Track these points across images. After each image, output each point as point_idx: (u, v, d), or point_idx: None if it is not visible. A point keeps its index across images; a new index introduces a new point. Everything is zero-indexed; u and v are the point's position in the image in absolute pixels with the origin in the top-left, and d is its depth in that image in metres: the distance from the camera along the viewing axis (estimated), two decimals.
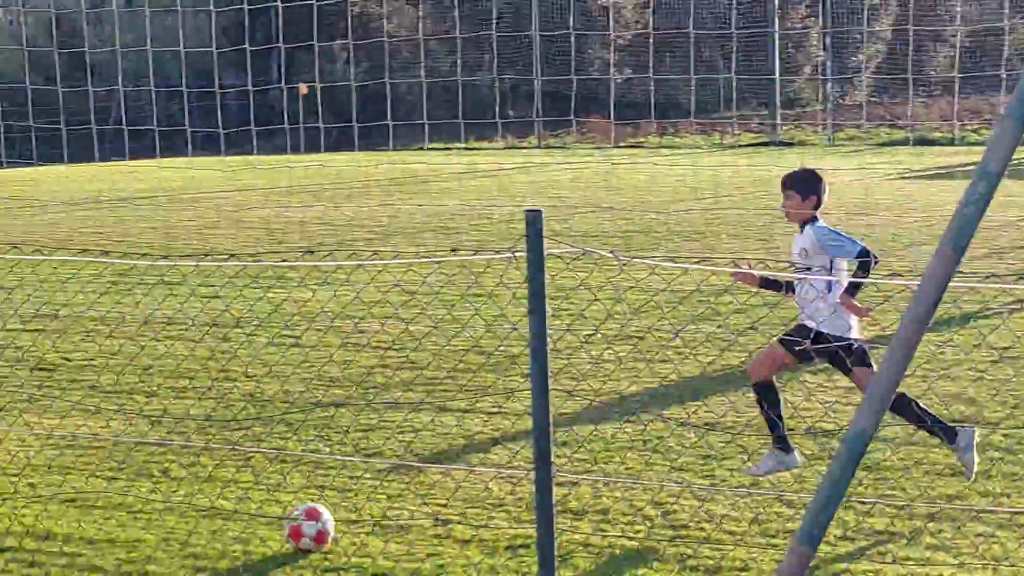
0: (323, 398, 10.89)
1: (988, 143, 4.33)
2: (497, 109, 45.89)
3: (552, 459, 5.99)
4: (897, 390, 8.14)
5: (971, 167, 28.25)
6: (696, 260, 9.52)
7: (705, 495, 8.33)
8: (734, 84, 43.73)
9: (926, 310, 4.35)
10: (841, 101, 48.61)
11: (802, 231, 8.33)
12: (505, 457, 9.27)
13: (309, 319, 13.58)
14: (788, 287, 8.51)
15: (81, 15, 45.28)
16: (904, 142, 41.01)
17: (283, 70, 45.87)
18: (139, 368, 12.00)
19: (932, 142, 40.77)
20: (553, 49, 48.33)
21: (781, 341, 8.32)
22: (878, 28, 48.84)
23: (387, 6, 48.11)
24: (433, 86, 46.32)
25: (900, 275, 13.66)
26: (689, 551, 7.51)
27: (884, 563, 7.29)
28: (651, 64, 38.95)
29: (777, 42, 44.71)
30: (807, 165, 8.39)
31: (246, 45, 40.27)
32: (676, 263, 9.05)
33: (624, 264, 6.71)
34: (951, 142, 40.33)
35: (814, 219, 8.31)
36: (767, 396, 8.26)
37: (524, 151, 45.35)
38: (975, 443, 8.14)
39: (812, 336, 8.12)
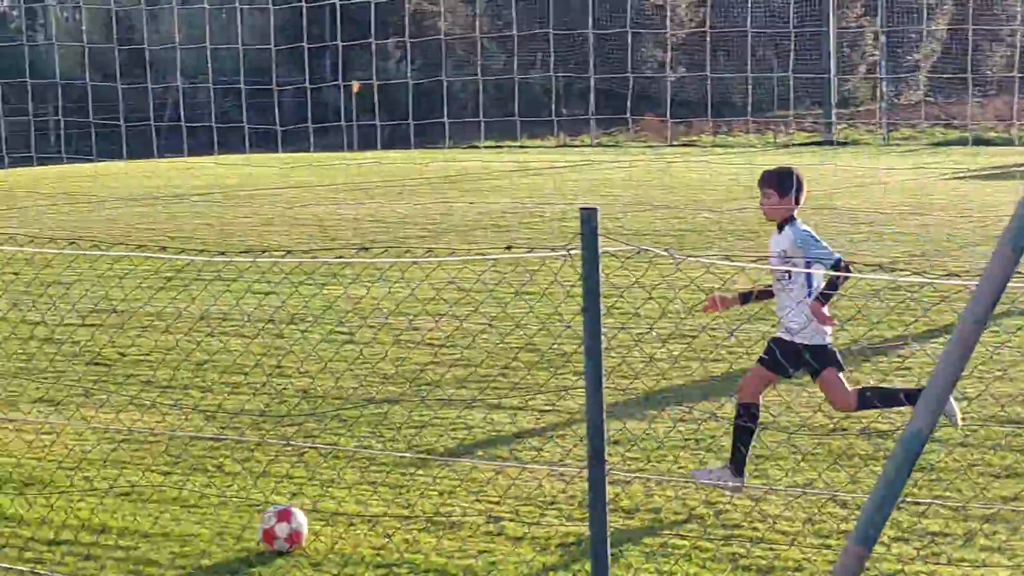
0: (376, 395, 10.93)
1: None
2: (553, 107, 45.85)
3: (605, 457, 5.99)
4: (857, 388, 8.21)
5: None
6: (752, 259, 9.48)
7: (758, 495, 8.31)
8: (791, 83, 43.48)
9: (984, 310, 4.33)
10: (896, 100, 48.33)
11: (780, 231, 8.29)
12: (558, 455, 9.27)
13: (363, 316, 13.63)
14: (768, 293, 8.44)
15: (141, 14, 45.62)
16: (959, 142, 40.71)
17: (340, 68, 46.01)
18: (194, 364, 12.09)
19: (988, 142, 40.46)
20: (606, 47, 48.29)
21: (761, 361, 8.26)
22: (934, 27, 48.49)
23: (443, 4, 48.19)
24: (486, 84, 46.34)
25: (957, 275, 13.58)
26: (742, 551, 7.49)
27: (938, 564, 7.25)
28: (708, 63, 38.83)
29: (832, 41, 44.47)
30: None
31: (304, 43, 40.41)
32: (732, 261, 9.02)
33: (679, 262, 6.69)
34: (1008, 142, 39.99)
35: (792, 219, 8.25)
36: (747, 418, 8.19)
37: (577, 149, 45.34)
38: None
39: (790, 347, 8.06)
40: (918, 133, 44.03)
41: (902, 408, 9.92)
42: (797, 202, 8.28)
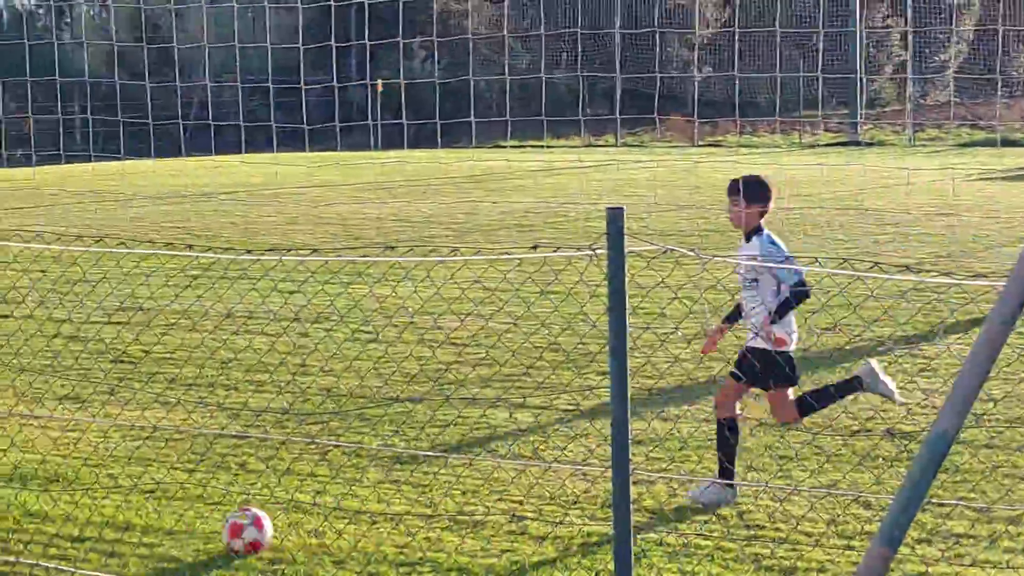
0: (400, 394, 10.94)
1: None
2: (581, 107, 45.82)
3: (629, 457, 5.99)
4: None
5: None
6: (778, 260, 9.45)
7: (782, 495, 8.29)
8: (820, 83, 43.35)
9: (1012, 312, 4.31)
10: (922, 101, 48.17)
11: (747, 240, 8.29)
12: (581, 455, 9.26)
13: (388, 315, 13.64)
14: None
15: (166, 13, 45.76)
16: (986, 143, 40.56)
17: (367, 67, 46.07)
18: (219, 362, 12.12)
19: (1014, 143, 40.30)
20: (631, 47, 48.25)
21: (732, 375, 8.32)
22: (961, 28, 48.32)
23: (469, 3, 48.23)
24: (510, 83, 46.32)
25: (984, 276, 13.53)
26: (765, 551, 7.47)
27: (963, 566, 7.22)
28: (735, 62, 38.74)
29: (859, 41, 44.36)
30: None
31: (332, 41, 40.46)
32: (758, 261, 9.00)
33: (705, 262, 6.68)
34: None
35: (759, 229, 8.24)
36: (728, 435, 8.21)
37: (601, 149, 45.32)
38: (879, 369, 8.21)
39: (763, 356, 8.11)
40: (944, 134, 43.87)
41: (925, 409, 9.90)
42: (766, 211, 8.24)
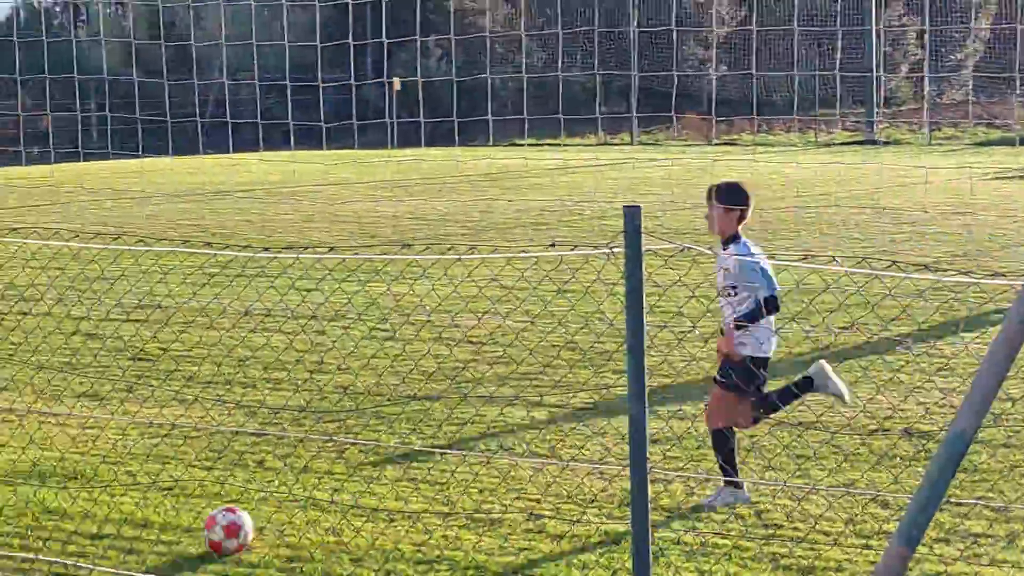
0: (418, 392, 10.96)
1: None
2: (598, 105, 45.78)
3: (647, 455, 5.99)
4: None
5: None
6: (802, 257, 9.45)
7: (800, 495, 8.29)
8: (837, 81, 43.30)
9: None
10: (938, 100, 48.08)
11: (724, 247, 8.30)
12: (598, 454, 9.27)
13: (405, 313, 13.65)
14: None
15: (183, 11, 45.81)
16: (1002, 142, 40.46)
17: (384, 66, 46.11)
18: (236, 360, 12.14)
19: None
20: (646, 45, 48.21)
21: (716, 381, 8.39)
22: (977, 26, 48.21)
23: (487, 2, 48.24)
24: (527, 81, 46.30)
25: (1002, 275, 13.50)
26: (783, 551, 7.47)
27: (980, 565, 7.21)
28: (754, 61, 38.68)
29: (875, 40, 44.28)
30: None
31: (349, 39, 40.46)
32: (775, 260, 8.99)
33: (723, 261, 6.68)
34: None
35: (737, 236, 8.25)
36: (723, 444, 8.24)
37: (617, 147, 45.30)
38: (828, 370, 8.27)
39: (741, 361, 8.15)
40: (960, 132, 43.80)
41: (943, 408, 9.89)
42: (743, 217, 8.25)
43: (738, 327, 8.05)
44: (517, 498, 8.41)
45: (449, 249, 16.47)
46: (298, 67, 45.72)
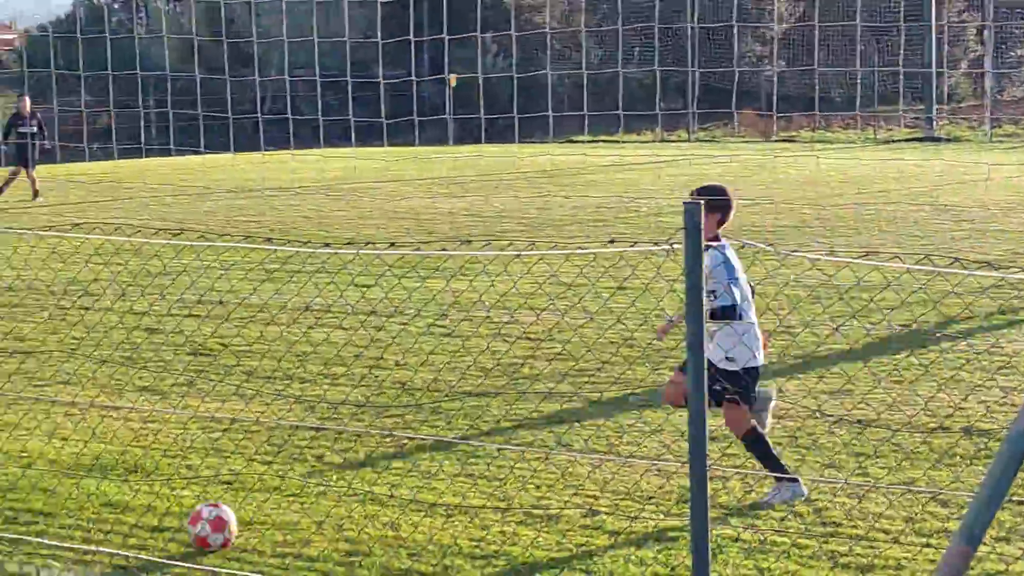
0: (476, 388, 10.98)
1: None
2: (658, 102, 45.68)
3: (707, 452, 5.98)
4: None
5: None
6: (863, 254, 9.40)
7: (860, 493, 8.25)
8: (901, 76, 43.02)
9: None
10: (999, 96, 47.68)
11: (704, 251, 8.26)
12: (655, 451, 9.26)
13: (464, 309, 13.68)
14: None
15: (241, 8, 46.07)
16: None
17: (444, 62, 46.17)
18: (295, 355, 12.20)
19: None
20: (705, 42, 48.04)
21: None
22: None
23: None
24: (582, 78, 46.30)
25: None
26: (843, 549, 7.44)
27: None
28: (816, 57, 38.53)
29: (934, 36, 43.94)
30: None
31: (410, 36, 40.63)
32: (836, 257, 8.96)
33: (783, 257, 6.66)
34: None
35: (715, 239, 8.24)
36: (756, 447, 8.31)
37: (674, 144, 45.18)
38: (772, 406, 8.40)
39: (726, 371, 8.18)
40: (1021, 130, 43.40)
41: (1004, 406, 9.81)
42: (724, 220, 8.30)
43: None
44: (575, 494, 8.41)
45: (508, 245, 16.49)
46: (354, 64, 45.84)
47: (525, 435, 9.71)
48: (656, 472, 8.76)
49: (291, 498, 8.44)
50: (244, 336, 12.90)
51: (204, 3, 48.08)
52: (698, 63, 45.81)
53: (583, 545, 7.60)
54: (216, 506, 7.70)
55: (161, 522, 8.05)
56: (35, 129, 29.36)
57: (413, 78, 41.96)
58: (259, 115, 42.02)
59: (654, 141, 46.26)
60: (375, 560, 7.43)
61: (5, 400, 10.86)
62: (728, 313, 8.04)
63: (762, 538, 7.61)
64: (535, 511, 8.14)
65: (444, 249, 15.00)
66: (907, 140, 42.99)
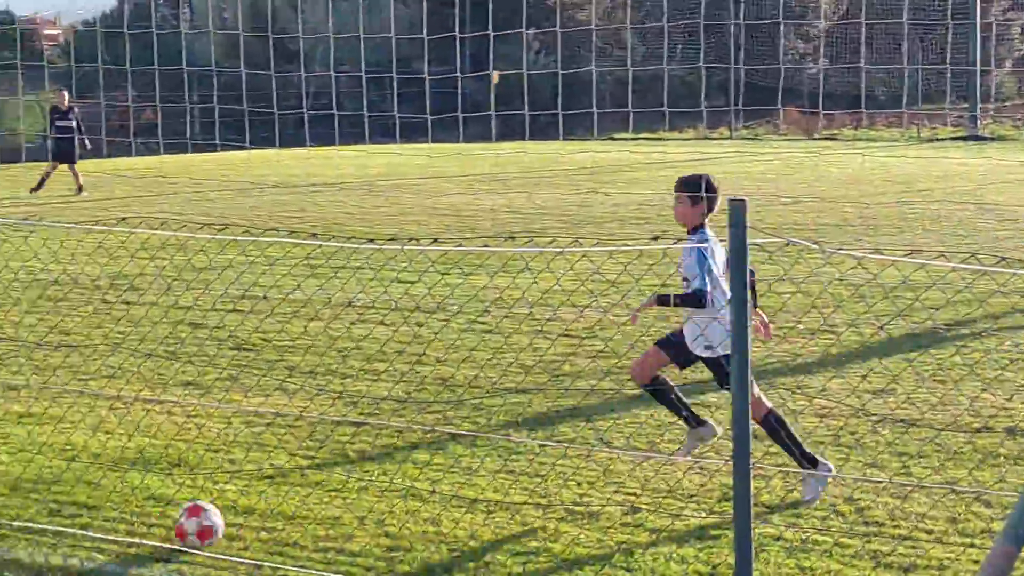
0: (517, 385, 10.98)
1: None
2: (703, 99, 45.56)
3: (750, 451, 5.97)
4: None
5: None
6: (908, 252, 9.36)
7: (903, 493, 8.21)
8: (940, 75, 42.76)
9: None
10: None
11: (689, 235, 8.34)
12: (698, 448, 9.23)
13: (507, 306, 13.68)
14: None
15: (284, 4, 46.21)
16: None
17: (489, 58, 46.15)
18: (337, 351, 12.24)
19: None
20: (747, 39, 47.90)
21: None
22: None
23: None
24: (624, 75, 46.23)
25: None
26: (885, 548, 7.41)
27: None
28: (863, 55, 38.36)
29: (978, 35, 43.67)
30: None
31: (455, 32, 40.67)
32: (881, 255, 8.92)
33: (829, 256, 6.64)
34: None
35: (698, 228, 8.28)
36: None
37: (716, 142, 45.07)
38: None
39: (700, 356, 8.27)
40: None
41: None
42: (710, 210, 8.30)
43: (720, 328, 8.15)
44: (616, 491, 8.41)
45: (551, 242, 16.48)
46: (396, 61, 45.89)
47: (566, 432, 9.72)
48: (698, 470, 8.75)
49: (333, 493, 8.47)
50: (287, 331, 12.95)
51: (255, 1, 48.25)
52: (742, 60, 45.65)
53: (624, 543, 7.59)
54: (195, 513, 7.68)
55: None
56: (73, 123, 29.47)
57: (458, 74, 41.99)
58: (304, 111, 42.15)
59: (696, 139, 46.14)
60: (416, 555, 7.45)
61: (50, 393, 10.95)
62: (695, 299, 8.06)
63: (804, 537, 7.59)
64: (576, 508, 8.14)
65: (486, 245, 15.01)
66: (951, 139, 42.74)
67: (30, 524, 7.89)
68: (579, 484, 8.56)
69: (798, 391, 10.52)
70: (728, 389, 8.17)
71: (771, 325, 8.74)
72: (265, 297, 14.23)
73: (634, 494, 8.37)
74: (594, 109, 42.56)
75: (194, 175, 32.97)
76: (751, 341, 7.99)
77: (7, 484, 8.70)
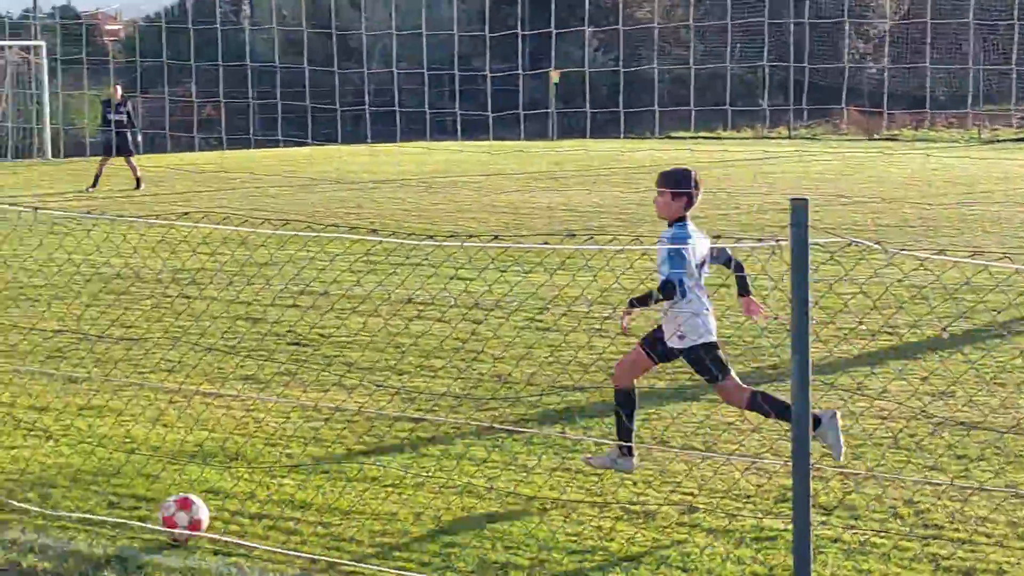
0: (575, 383, 10.96)
1: None
2: (766, 97, 45.35)
3: (810, 451, 5.93)
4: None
5: None
6: (971, 254, 9.27)
7: (963, 496, 8.14)
8: (1014, 76, 42.35)
9: None
10: None
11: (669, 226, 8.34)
12: (754, 449, 9.20)
13: (566, 304, 13.66)
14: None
15: (348, 2, 46.39)
16: None
17: (551, 57, 46.17)
18: (395, 347, 12.27)
19: None
20: (803, 39, 47.63)
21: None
22: None
23: None
24: (682, 74, 46.12)
25: None
26: (944, 552, 7.35)
27: None
28: (928, 55, 38.06)
29: None
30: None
31: (518, 30, 40.73)
32: (945, 256, 8.85)
33: (892, 256, 6.59)
34: None
35: (678, 221, 8.26)
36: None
37: (774, 141, 44.86)
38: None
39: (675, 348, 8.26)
40: None
41: None
42: (690, 204, 8.29)
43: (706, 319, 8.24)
44: (672, 491, 8.39)
45: (611, 240, 16.45)
46: (453, 59, 45.97)
47: None
48: (755, 471, 8.71)
49: (390, 489, 8.49)
50: (346, 327, 12.99)
51: None
52: (806, 59, 45.40)
53: (681, 543, 7.57)
54: (185, 506, 7.72)
55: (262, 509, 8.13)
56: (124, 118, 29.57)
57: (520, 71, 42.03)
58: (366, 108, 42.30)
59: (754, 137, 45.95)
60: (472, 552, 7.45)
61: (111, 386, 11.03)
62: (668, 290, 8.05)
63: (862, 539, 7.54)
64: (633, 507, 8.13)
65: (546, 243, 15.01)
66: (1013, 140, 42.34)
67: (89, 516, 7.95)
68: (636, 483, 8.54)
69: (858, 393, 10.45)
70: (710, 381, 8.28)
71: (763, 308, 8.76)
72: (326, 293, 14.28)
73: (691, 494, 8.34)
74: (655, 107, 42.47)
75: (255, 171, 33.15)
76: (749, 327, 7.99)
77: (68, 476, 8.78)
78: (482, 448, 9.32)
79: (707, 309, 8.28)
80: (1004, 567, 7.13)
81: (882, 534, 7.63)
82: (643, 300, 8.21)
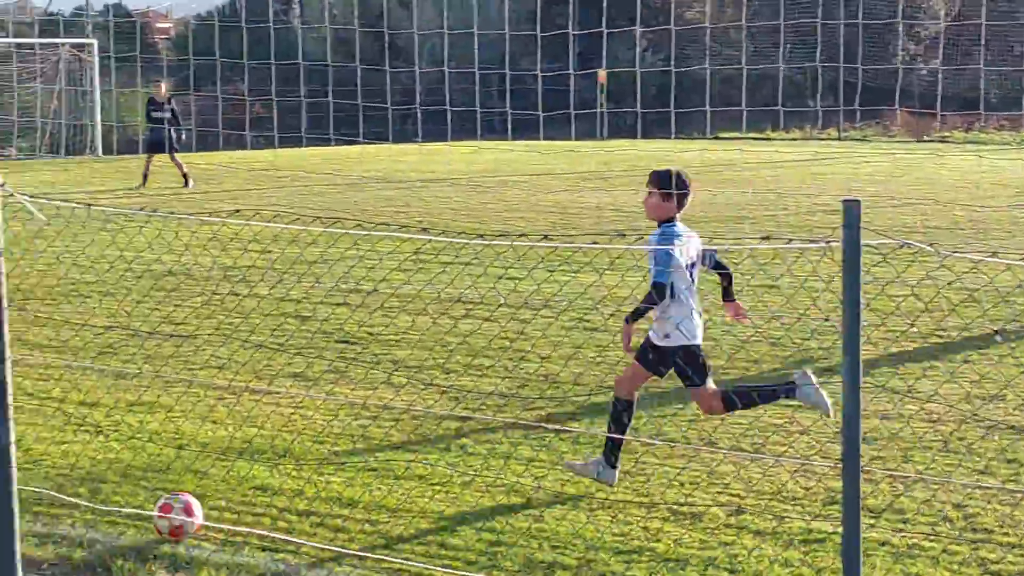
0: None
1: None
2: (818, 98, 45.13)
3: (860, 454, 5.90)
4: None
5: None
6: (1019, 257, 9.22)
7: (1013, 500, 8.08)
8: None
9: None
10: None
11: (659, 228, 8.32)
12: (803, 451, 9.16)
13: (614, 304, 13.64)
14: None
15: (397, 2, 46.49)
16: None
17: (601, 57, 46.13)
18: (442, 346, 12.28)
19: None
20: (853, 40, 47.41)
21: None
22: None
23: None
24: (732, 75, 45.96)
25: None
26: (993, 556, 7.30)
27: None
28: (982, 56, 37.81)
29: None
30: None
31: (569, 29, 40.66)
32: (998, 258, 8.78)
33: (944, 258, 6.54)
34: None
35: (667, 222, 8.23)
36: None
37: (823, 142, 44.65)
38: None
39: (661, 347, 8.26)
40: None
41: None
42: (680, 205, 8.26)
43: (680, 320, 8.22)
44: (720, 493, 8.36)
45: None
46: (500, 58, 45.99)
47: (671, 432, 9.68)
48: (804, 473, 8.67)
49: (437, 487, 8.50)
50: (394, 325, 13.02)
51: None
52: (858, 60, 45.11)
53: (728, 544, 7.55)
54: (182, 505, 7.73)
55: (310, 507, 8.16)
56: (168, 115, 29.68)
57: (571, 71, 42.04)
58: (417, 106, 42.40)
59: (803, 138, 45.76)
60: (518, 552, 7.46)
61: (161, 383, 11.11)
62: (660, 293, 8.04)
63: (911, 543, 7.50)
64: (680, 508, 8.11)
65: (595, 242, 14.98)
66: None
67: (139, 511, 8.00)
68: (683, 484, 8.52)
69: (908, 395, 10.39)
70: (689, 386, 8.29)
71: (746, 312, 8.80)
72: (375, 291, 14.32)
73: (739, 496, 8.31)
74: (707, 107, 42.30)
75: (306, 168, 33.28)
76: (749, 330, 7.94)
77: (117, 471, 8.84)
78: (529, 447, 9.33)
79: (696, 312, 8.25)
80: None
81: (931, 538, 7.58)
82: (637, 314, 8.17)
